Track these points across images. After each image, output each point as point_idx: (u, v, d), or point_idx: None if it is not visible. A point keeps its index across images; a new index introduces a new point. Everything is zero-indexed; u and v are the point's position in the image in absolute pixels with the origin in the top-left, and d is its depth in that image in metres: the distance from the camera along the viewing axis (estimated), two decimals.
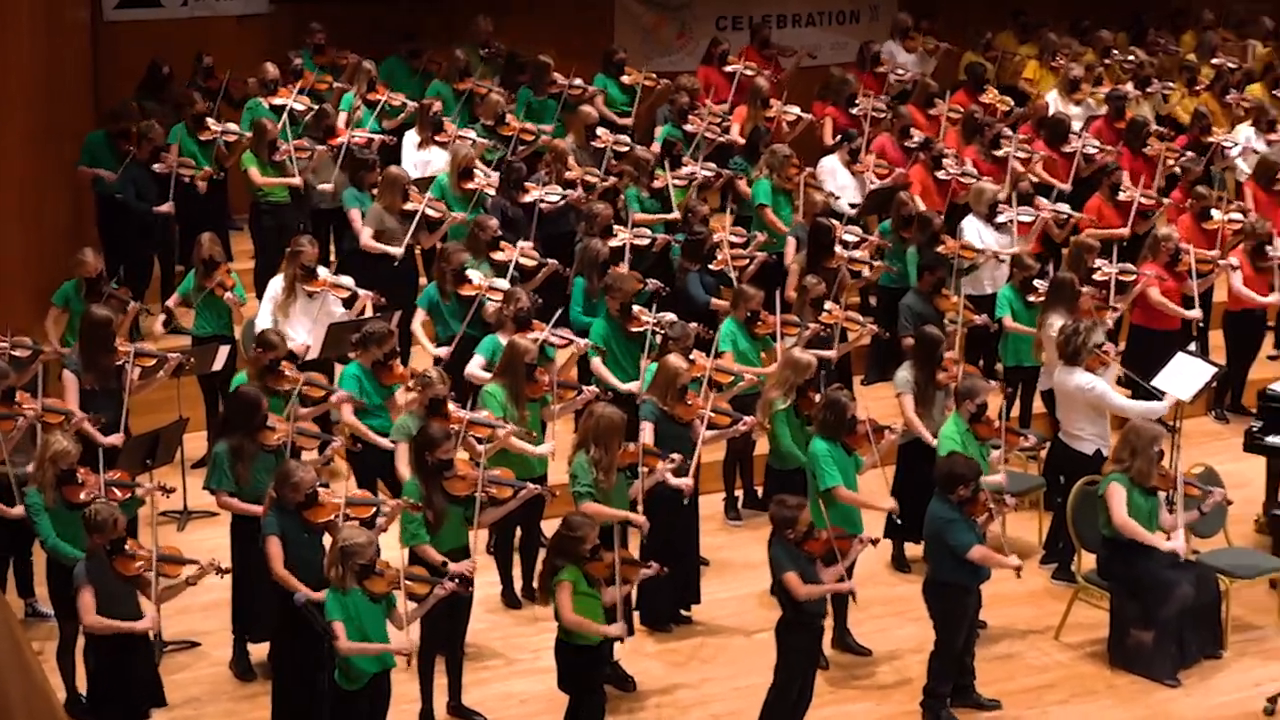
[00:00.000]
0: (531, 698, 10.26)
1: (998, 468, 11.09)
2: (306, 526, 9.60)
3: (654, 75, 17.70)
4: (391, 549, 9.43)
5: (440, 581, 9.23)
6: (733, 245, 13.94)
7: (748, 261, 13.87)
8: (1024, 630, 11.24)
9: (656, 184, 14.96)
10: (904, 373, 11.90)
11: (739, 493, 12.92)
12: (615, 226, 13.92)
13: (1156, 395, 12.06)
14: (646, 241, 14.06)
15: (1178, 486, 10.79)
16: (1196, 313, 13.92)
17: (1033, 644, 11.12)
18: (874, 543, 9.91)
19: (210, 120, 15.34)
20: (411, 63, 17.38)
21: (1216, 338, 14.93)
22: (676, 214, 14.70)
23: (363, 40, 17.40)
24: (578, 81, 16.99)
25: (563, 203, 14.54)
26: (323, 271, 12.96)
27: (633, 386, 12.15)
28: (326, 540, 9.42)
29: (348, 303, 12.94)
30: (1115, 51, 19.59)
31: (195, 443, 12.53)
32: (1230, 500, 11.17)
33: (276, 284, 12.87)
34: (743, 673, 10.49)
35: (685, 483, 10.80)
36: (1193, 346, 13.40)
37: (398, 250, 13.75)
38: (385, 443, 11.15)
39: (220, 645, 10.65)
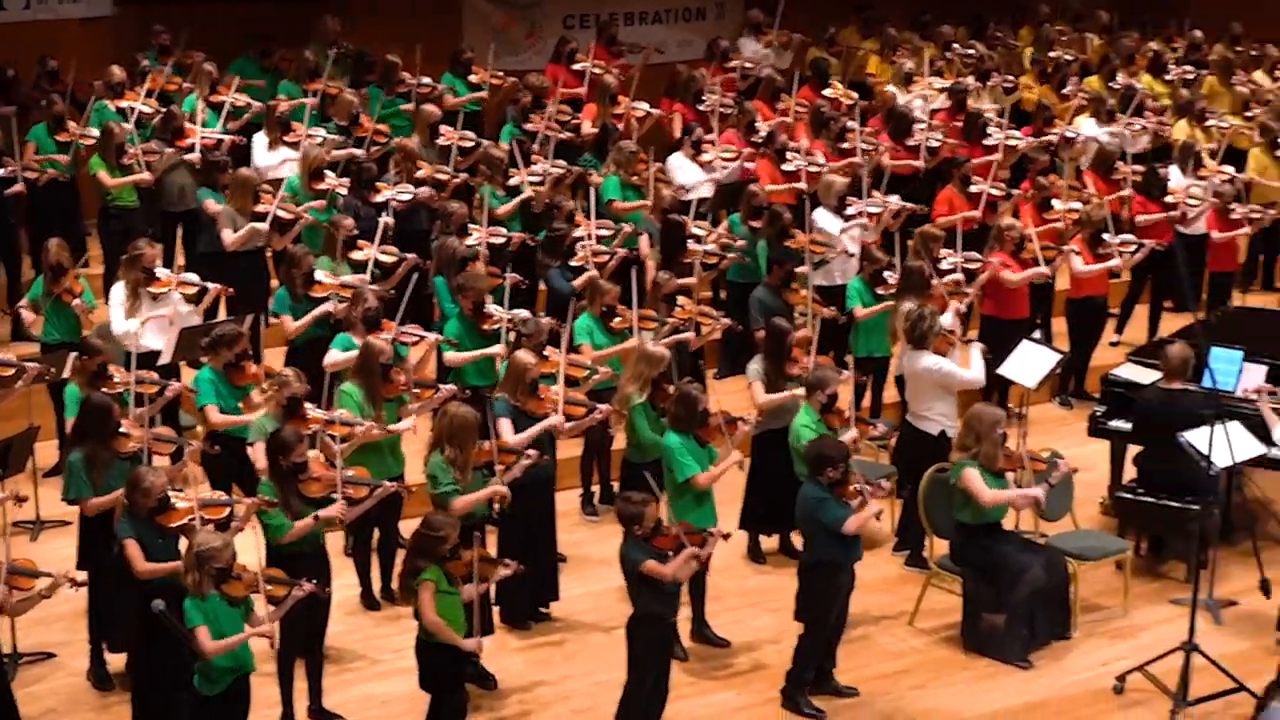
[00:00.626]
0: (393, 698, 10.24)
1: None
2: (160, 532, 9.50)
3: (501, 74, 17.70)
4: (248, 551, 9.38)
5: (298, 583, 9.17)
6: (600, 238, 13.97)
7: (608, 257, 13.90)
8: (878, 617, 11.38)
9: (512, 182, 14.96)
10: (755, 364, 12.00)
11: (595, 488, 12.97)
12: (470, 226, 13.93)
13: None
14: (502, 240, 14.08)
15: (1024, 465, 11.01)
16: (1046, 269, 14.20)
17: (887, 630, 11.27)
18: (725, 536, 9.91)
19: (71, 123, 15.13)
20: (262, 63, 17.24)
21: (1059, 325, 15.21)
22: (530, 191, 14.71)
23: (215, 41, 17.24)
24: (426, 80, 16.97)
25: (413, 201, 14.52)
26: (164, 272, 12.77)
27: (498, 349, 12.18)
28: (183, 544, 9.36)
29: (195, 299, 12.77)
30: (956, 46, 19.89)
31: (46, 451, 12.37)
32: (1076, 468, 11.36)
33: (119, 290, 12.62)
34: (602, 668, 10.52)
35: (559, 419, 11.01)
36: (1037, 334, 13.66)
37: (263, 225, 13.64)
38: (251, 419, 11.08)
39: (77, 655, 10.49)
